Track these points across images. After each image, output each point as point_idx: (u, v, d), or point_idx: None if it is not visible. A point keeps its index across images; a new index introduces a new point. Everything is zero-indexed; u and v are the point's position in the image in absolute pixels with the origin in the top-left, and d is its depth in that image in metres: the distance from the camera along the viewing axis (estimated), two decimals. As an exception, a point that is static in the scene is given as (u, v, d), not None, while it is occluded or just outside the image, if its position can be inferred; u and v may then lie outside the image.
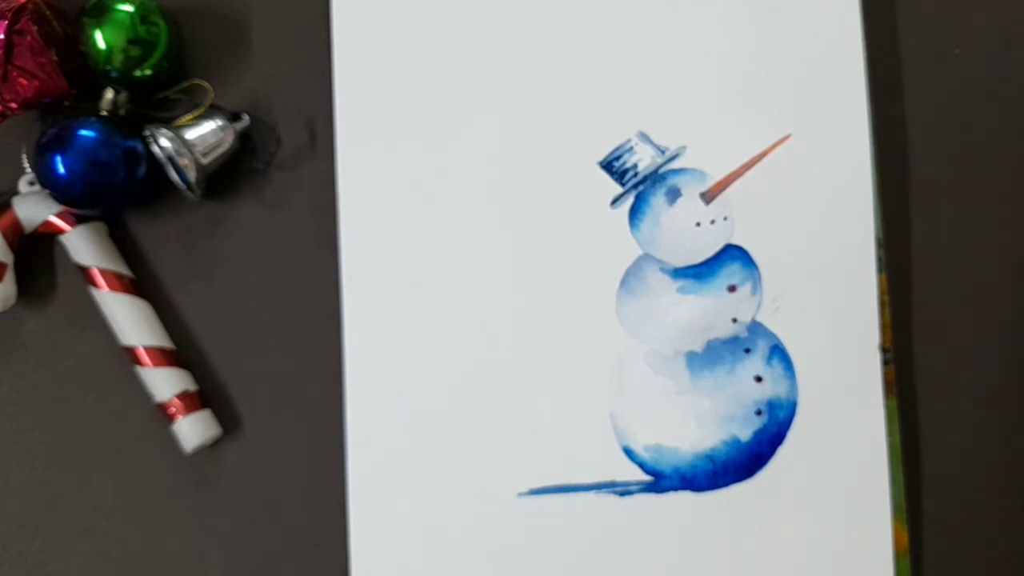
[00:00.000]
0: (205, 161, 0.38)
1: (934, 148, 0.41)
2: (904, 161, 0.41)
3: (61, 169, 0.37)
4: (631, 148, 0.40)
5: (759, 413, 0.39)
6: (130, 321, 0.39)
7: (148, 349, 0.39)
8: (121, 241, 0.40)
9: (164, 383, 0.39)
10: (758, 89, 0.40)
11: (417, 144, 0.40)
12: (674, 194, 0.40)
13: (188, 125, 0.39)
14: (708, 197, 0.40)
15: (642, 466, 0.39)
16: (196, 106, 0.39)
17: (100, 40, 0.38)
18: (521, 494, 0.39)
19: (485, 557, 0.39)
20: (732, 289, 0.40)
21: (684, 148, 0.40)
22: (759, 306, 0.40)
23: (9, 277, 0.38)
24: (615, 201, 0.40)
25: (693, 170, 0.40)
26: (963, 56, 0.42)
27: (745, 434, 0.39)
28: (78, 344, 0.40)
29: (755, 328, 0.40)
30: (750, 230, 0.40)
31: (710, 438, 0.39)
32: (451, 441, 0.39)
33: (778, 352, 0.40)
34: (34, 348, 0.40)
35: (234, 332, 0.40)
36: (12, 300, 0.39)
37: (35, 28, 0.36)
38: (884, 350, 0.39)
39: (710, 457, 0.39)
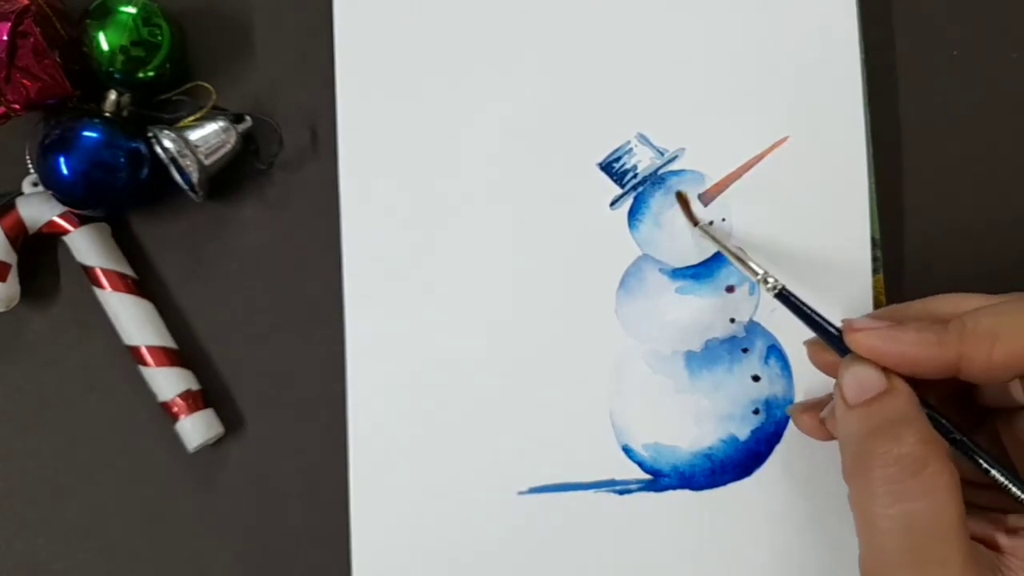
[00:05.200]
0: (208, 162, 0.39)
1: (930, 149, 0.42)
2: (900, 162, 0.42)
3: (64, 170, 0.37)
4: (630, 150, 0.40)
5: (757, 412, 0.40)
6: (133, 321, 0.39)
7: (151, 349, 0.39)
8: (124, 242, 0.40)
9: (167, 382, 0.39)
10: (756, 92, 0.40)
11: (418, 145, 0.40)
12: (673, 195, 0.40)
13: (191, 126, 0.39)
14: (706, 198, 0.40)
15: (641, 465, 0.39)
16: (199, 107, 0.39)
17: (103, 42, 0.38)
18: (521, 492, 0.39)
19: (485, 555, 0.39)
20: (730, 289, 0.40)
21: (683, 150, 0.40)
22: (756, 306, 0.40)
23: (13, 277, 0.38)
24: (614, 202, 0.40)
25: (692, 172, 0.40)
26: (959, 58, 0.42)
27: (743, 433, 0.40)
28: (81, 344, 0.40)
29: (753, 328, 0.40)
30: (748, 231, 0.40)
31: (708, 437, 0.40)
32: (451, 440, 0.39)
33: (775, 352, 0.40)
34: (38, 348, 0.40)
35: (237, 332, 0.40)
36: (16, 300, 0.39)
37: (38, 30, 0.36)
38: (880, 350, 0.39)
39: (708, 456, 0.40)
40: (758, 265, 0.37)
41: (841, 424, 0.33)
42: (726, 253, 0.38)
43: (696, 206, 0.40)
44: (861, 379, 0.32)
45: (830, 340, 0.34)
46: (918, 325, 0.33)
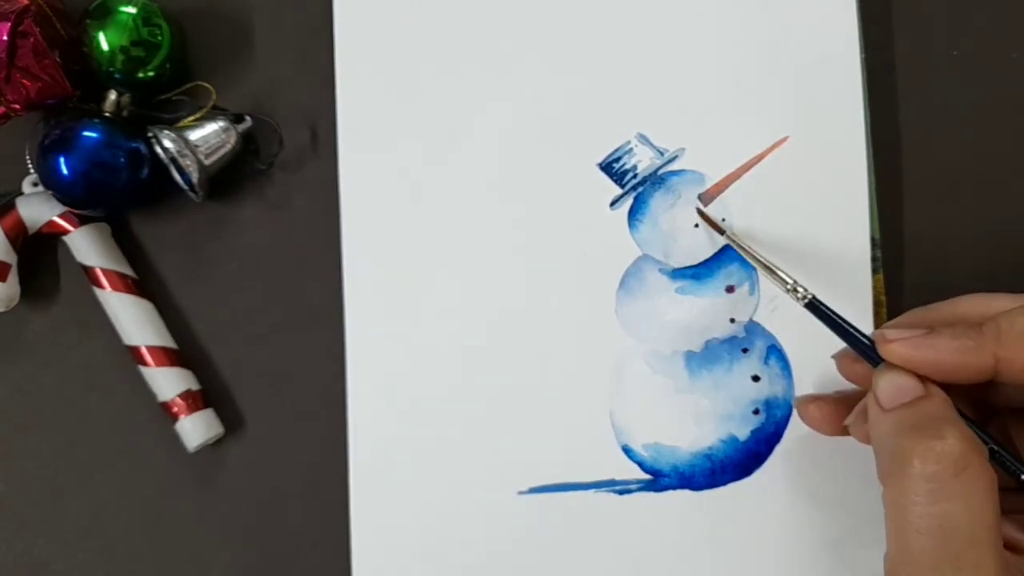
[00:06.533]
0: (208, 162, 0.39)
1: (930, 149, 0.42)
2: (899, 162, 0.42)
3: (64, 170, 0.37)
4: (630, 150, 0.40)
5: (756, 412, 0.40)
6: (133, 321, 0.39)
7: (151, 349, 0.39)
8: (124, 242, 0.40)
9: (167, 382, 0.39)
10: (756, 92, 0.40)
11: (418, 145, 0.40)
12: (673, 195, 0.40)
13: (191, 126, 0.39)
14: (706, 198, 0.40)
15: (641, 465, 0.39)
16: (199, 107, 0.39)
17: (103, 42, 0.38)
18: (521, 492, 0.39)
19: (485, 555, 0.39)
20: (730, 290, 0.40)
21: (683, 150, 0.40)
22: (756, 306, 0.40)
23: (13, 277, 0.38)
24: (614, 202, 0.40)
25: (692, 172, 0.40)
26: (959, 58, 0.42)
27: (743, 433, 0.40)
28: (82, 344, 0.40)
29: (752, 328, 0.40)
30: (748, 231, 0.40)
31: (708, 437, 0.40)
32: (451, 440, 0.39)
33: (775, 352, 0.40)
34: (38, 348, 0.40)
35: (236, 332, 0.40)
36: (16, 300, 0.39)
37: (38, 30, 0.36)
38: (880, 350, 0.39)
39: (708, 456, 0.40)
40: (787, 275, 0.36)
41: (876, 426, 0.32)
42: (755, 263, 0.37)
43: (696, 205, 0.40)
44: (898, 386, 0.32)
45: (862, 350, 0.34)
46: (952, 331, 0.32)
